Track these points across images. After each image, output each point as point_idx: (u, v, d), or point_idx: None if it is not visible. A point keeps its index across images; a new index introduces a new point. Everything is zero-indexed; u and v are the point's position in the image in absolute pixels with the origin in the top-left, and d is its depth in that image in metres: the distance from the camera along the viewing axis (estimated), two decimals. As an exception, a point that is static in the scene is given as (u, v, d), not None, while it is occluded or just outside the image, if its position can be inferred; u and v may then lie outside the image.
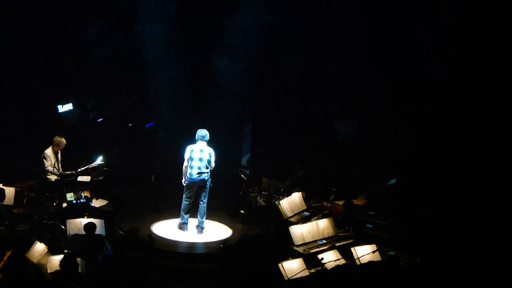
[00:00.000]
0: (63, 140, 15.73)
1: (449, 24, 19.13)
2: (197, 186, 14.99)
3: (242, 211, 16.30)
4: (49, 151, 15.51)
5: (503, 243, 14.32)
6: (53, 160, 15.57)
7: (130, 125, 19.95)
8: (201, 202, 15.18)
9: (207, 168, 14.97)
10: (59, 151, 15.79)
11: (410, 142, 18.19)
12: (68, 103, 18.50)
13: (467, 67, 18.19)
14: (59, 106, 18.37)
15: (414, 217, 15.47)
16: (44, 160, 15.41)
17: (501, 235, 14.67)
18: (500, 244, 14.30)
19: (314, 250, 13.40)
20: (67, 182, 15.46)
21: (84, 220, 13.55)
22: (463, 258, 13.79)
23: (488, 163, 17.20)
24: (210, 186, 15.16)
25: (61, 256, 11.79)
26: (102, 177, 16.15)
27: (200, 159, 14.88)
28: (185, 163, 14.97)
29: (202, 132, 14.97)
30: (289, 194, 15.36)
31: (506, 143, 17.27)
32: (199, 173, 14.86)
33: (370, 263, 12.51)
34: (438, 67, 18.52)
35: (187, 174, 14.94)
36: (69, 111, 18.62)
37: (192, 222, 15.35)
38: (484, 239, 14.45)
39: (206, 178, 14.99)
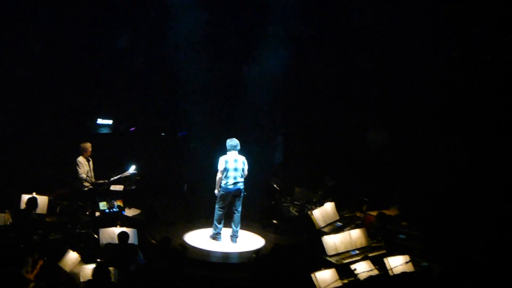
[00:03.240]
0: (88, 144, 15.99)
1: (482, 33, 19.04)
2: (232, 195, 15.05)
3: (274, 221, 16.39)
4: (81, 158, 15.81)
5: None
6: (86, 167, 15.83)
7: (163, 134, 20.01)
8: (235, 212, 15.27)
9: (242, 177, 15.08)
10: (90, 159, 15.97)
11: (446, 151, 18.07)
12: (109, 117, 18.56)
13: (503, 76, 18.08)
14: (99, 118, 18.46)
15: (448, 226, 15.43)
16: (77, 168, 15.67)
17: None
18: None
19: (347, 261, 13.45)
20: (100, 191, 15.61)
21: (117, 229, 13.67)
22: (498, 268, 13.76)
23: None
24: (244, 195, 15.22)
25: (93, 265, 11.88)
26: (134, 186, 16.31)
27: (235, 169, 14.97)
28: (219, 174, 15.01)
29: (234, 142, 15.08)
30: (321, 204, 15.43)
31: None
32: (235, 183, 14.94)
33: (403, 274, 12.57)
34: (472, 77, 18.41)
35: (222, 185, 14.99)
36: (107, 124, 18.74)
37: (225, 231, 15.42)
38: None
39: (241, 188, 15.06)
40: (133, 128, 19.88)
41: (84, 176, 15.70)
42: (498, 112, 17.63)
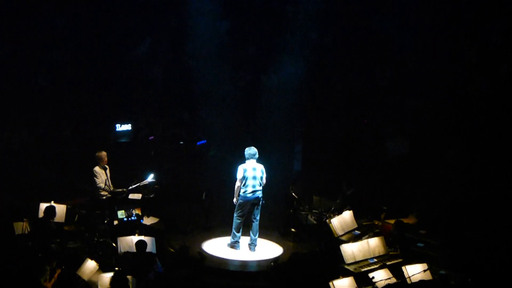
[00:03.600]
0: (104, 153, 15.94)
1: (498, 42, 19.05)
2: (250, 204, 15.00)
3: (293, 229, 16.32)
4: (97, 168, 15.74)
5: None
6: (103, 176, 15.79)
7: (181, 143, 20.05)
8: (254, 220, 15.22)
9: (260, 185, 15.02)
10: (107, 167, 15.99)
11: (460, 161, 18.07)
12: (127, 123, 18.63)
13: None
14: (118, 125, 18.51)
15: (466, 235, 15.38)
16: (95, 178, 15.63)
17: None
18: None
19: (365, 269, 13.40)
20: (118, 200, 15.60)
21: (135, 238, 13.66)
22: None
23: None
24: (262, 203, 15.21)
25: (111, 274, 11.82)
26: (153, 195, 16.31)
27: (254, 177, 14.92)
28: (237, 183, 14.98)
29: (252, 151, 15.03)
30: (339, 213, 15.38)
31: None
32: (253, 191, 14.89)
33: (421, 282, 12.51)
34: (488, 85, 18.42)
35: (241, 193, 14.95)
36: (126, 130, 18.77)
37: (243, 240, 15.42)
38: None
39: (260, 196, 15.03)
40: (151, 137, 19.89)
41: (102, 185, 15.71)
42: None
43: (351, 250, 13.84)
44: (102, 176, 15.79)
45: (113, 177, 16.11)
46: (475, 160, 17.86)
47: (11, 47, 19.72)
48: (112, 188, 15.88)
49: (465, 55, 19.12)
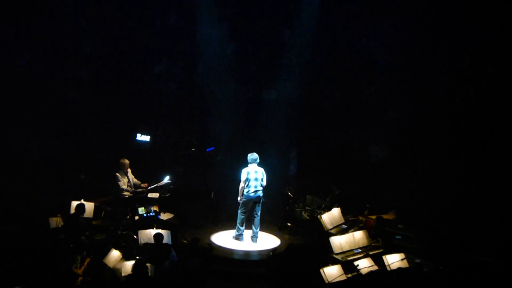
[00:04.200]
0: (126, 161, 16.05)
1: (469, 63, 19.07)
2: (253, 202, 15.04)
3: (289, 224, 16.36)
4: (118, 173, 15.85)
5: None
6: (124, 179, 15.87)
7: (193, 149, 20.03)
8: (255, 216, 15.24)
9: (261, 186, 15.06)
10: (129, 171, 16.06)
11: (434, 165, 18.09)
12: (146, 133, 18.63)
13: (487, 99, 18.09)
14: (138, 135, 18.51)
15: (437, 229, 15.39)
16: (118, 182, 15.72)
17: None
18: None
19: (351, 258, 13.49)
20: (139, 198, 15.70)
21: (153, 231, 13.74)
22: (482, 266, 13.72)
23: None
24: (263, 201, 15.23)
25: (133, 262, 11.99)
26: (169, 194, 16.38)
27: (256, 179, 14.97)
28: (241, 184, 15.00)
29: (254, 156, 15.11)
30: (329, 210, 15.41)
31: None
32: (255, 191, 14.94)
33: (399, 269, 12.52)
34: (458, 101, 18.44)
35: (244, 193, 14.98)
36: (145, 141, 18.79)
37: (246, 233, 15.44)
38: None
39: (260, 195, 15.07)
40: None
41: (124, 187, 15.81)
42: (486, 122, 17.76)
43: (339, 242, 13.96)
44: (123, 179, 15.87)
45: (135, 178, 16.24)
46: (445, 164, 17.88)
47: (47, 67, 19.76)
48: (133, 189, 15.98)
49: (436, 75, 19.16)
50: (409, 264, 12.99)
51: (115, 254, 12.78)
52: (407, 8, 19.47)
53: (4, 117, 18.63)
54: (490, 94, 18.20)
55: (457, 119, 18.21)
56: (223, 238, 15.54)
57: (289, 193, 17.10)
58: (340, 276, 12.44)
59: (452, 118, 18.33)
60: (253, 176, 15.03)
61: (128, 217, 15.26)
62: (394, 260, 13.00)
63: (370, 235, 14.48)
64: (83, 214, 14.68)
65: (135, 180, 16.17)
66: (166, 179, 16.33)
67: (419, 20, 19.34)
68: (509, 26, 17.88)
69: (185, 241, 14.28)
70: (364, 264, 12.87)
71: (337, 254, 13.73)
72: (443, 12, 18.84)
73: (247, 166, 15.14)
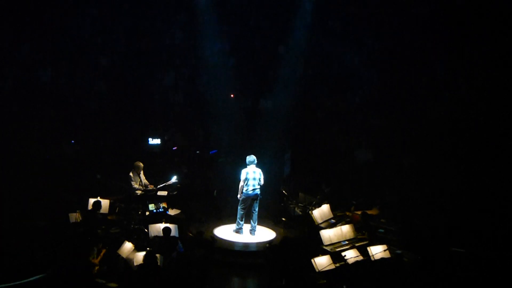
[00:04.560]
0: (140, 164, 16.00)
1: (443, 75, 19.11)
2: (251, 199, 15.07)
3: (283, 219, 16.30)
4: (131, 174, 15.84)
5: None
6: (137, 179, 15.84)
7: (198, 152, 20.06)
8: (254, 211, 15.27)
9: (258, 185, 15.10)
10: (141, 172, 16.03)
11: (412, 167, 18.12)
12: (157, 138, 18.61)
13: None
14: (150, 139, 18.50)
15: (416, 223, 15.41)
16: (130, 181, 15.70)
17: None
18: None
19: (339, 249, 13.46)
20: (149, 196, 15.67)
21: (162, 225, 13.71)
22: (456, 256, 13.74)
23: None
24: (260, 198, 15.23)
25: (144, 253, 12.02)
26: (176, 192, 16.36)
27: (254, 179, 15.02)
28: (241, 183, 15.05)
29: (252, 158, 15.17)
30: (319, 206, 15.41)
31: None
32: (253, 189, 14.99)
33: (382, 259, 12.57)
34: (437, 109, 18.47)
35: (244, 191, 15.03)
36: (156, 144, 18.78)
37: (245, 226, 15.43)
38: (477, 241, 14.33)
39: (258, 193, 15.10)
40: (175, 147, 19.92)
41: (136, 186, 15.77)
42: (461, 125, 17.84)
43: (328, 235, 13.93)
44: (135, 178, 15.85)
45: (146, 178, 16.21)
46: (423, 166, 17.92)
47: (69, 79, 19.86)
48: (144, 188, 15.96)
49: (414, 85, 19.22)
50: (390, 255, 12.93)
51: (128, 246, 12.77)
52: (386, 27, 19.54)
53: (31, 124, 18.66)
54: (463, 102, 18.27)
55: (433, 124, 18.25)
56: (224, 231, 15.55)
57: (284, 191, 17.11)
58: (329, 265, 12.44)
59: (428, 124, 18.37)
60: (252, 176, 15.06)
61: (139, 212, 15.23)
62: (377, 251, 12.98)
63: (356, 229, 14.44)
64: (99, 210, 14.70)
65: (145, 181, 16.14)
66: (174, 179, 16.27)
67: (398, 38, 19.40)
68: (481, 40, 17.98)
69: (191, 234, 14.34)
70: (351, 255, 12.86)
71: (326, 245, 13.69)
72: (420, 29, 18.90)
73: (246, 167, 15.16)
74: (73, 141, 19.38)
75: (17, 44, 19.18)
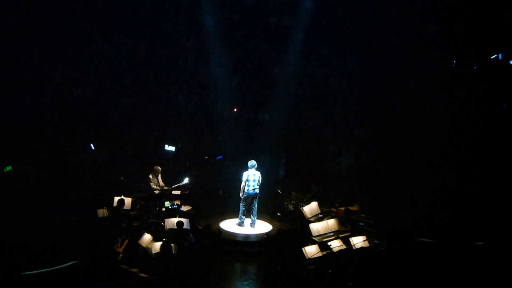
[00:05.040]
0: (158, 168, 16.12)
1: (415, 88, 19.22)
2: (251, 197, 15.06)
3: (278, 214, 16.33)
4: (150, 175, 15.94)
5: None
6: (155, 180, 15.93)
7: (206, 157, 20.04)
8: (253, 208, 15.24)
9: (258, 185, 15.08)
10: (159, 174, 16.06)
11: (388, 170, 18.17)
12: (173, 145, 18.60)
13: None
14: (166, 146, 18.49)
15: (392, 217, 15.40)
16: (149, 182, 15.82)
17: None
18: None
19: (325, 239, 13.48)
20: (165, 195, 15.69)
21: (176, 219, 13.69)
22: (424, 245, 13.80)
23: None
24: (259, 196, 15.22)
25: (160, 243, 12.04)
26: (188, 191, 16.38)
27: (254, 180, 15.02)
28: (243, 183, 15.04)
29: (252, 162, 15.16)
30: (309, 203, 15.39)
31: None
32: (253, 189, 14.99)
33: (362, 248, 12.61)
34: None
35: (245, 190, 15.01)
36: (171, 150, 18.77)
37: (246, 220, 15.42)
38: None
39: (257, 192, 15.10)
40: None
41: (154, 186, 15.84)
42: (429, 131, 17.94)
43: (316, 227, 13.95)
44: (154, 180, 15.89)
45: (163, 179, 16.25)
46: (398, 168, 17.96)
47: (97, 95, 19.98)
48: (161, 188, 15.98)
49: (389, 101, 19.32)
50: (369, 244, 13.01)
51: (147, 237, 12.79)
52: (365, 52, 19.68)
53: (65, 133, 18.68)
54: (431, 115, 18.37)
55: (405, 134, 18.33)
56: (229, 225, 15.52)
57: (279, 191, 17.13)
58: (317, 253, 12.44)
59: (401, 134, 18.45)
60: (252, 178, 15.04)
61: (157, 209, 15.25)
62: (358, 241, 12.97)
63: (340, 222, 14.44)
64: (123, 207, 14.69)
65: (162, 182, 16.18)
66: (186, 180, 16.32)
67: (375, 62, 19.58)
68: (446, 63, 18.14)
69: (200, 227, 14.38)
70: (336, 244, 12.83)
71: (315, 236, 13.71)
72: (394, 53, 19.07)
73: (247, 170, 15.14)
74: (92, 146, 19.31)
75: (55, 66, 19.31)
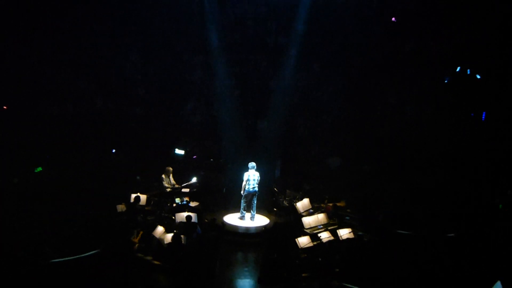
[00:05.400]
0: (170, 168, 16.18)
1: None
2: (251, 195, 15.07)
3: (275, 209, 16.34)
4: (163, 175, 16.00)
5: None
6: (167, 179, 15.98)
7: (212, 160, 20.00)
8: (253, 203, 15.23)
9: (257, 184, 15.10)
10: (170, 174, 16.10)
11: (370, 171, 18.22)
12: (182, 149, 18.52)
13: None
14: (176, 150, 18.44)
15: (373, 212, 15.47)
16: (162, 181, 15.87)
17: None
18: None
19: (316, 231, 13.59)
20: (176, 192, 15.79)
21: (185, 214, 13.76)
22: (402, 236, 13.92)
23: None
24: (257, 193, 15.24)
25: (172, 234, 12.23)
26: (195, 189, 16.40)
27: (253, 180, 15.03)
28: (244, 182, 15.04)
29: (252, 164, 15.17)
30: (301, 199, 15.49)
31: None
32: (253, 187, 15.00)
33: (348, 239, 12.72)
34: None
35: (246, 188, 15.01)
36: (180, 154, 18.70)
37: (247, 215, 15.41)
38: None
39: (256, 190, 15.10)
40: (195, 156, 19.89)
41: (166, 185, 15.92)
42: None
43: (308, 221, 14.08)
44: (166, 179, 15.94)
45: (174, 178, 16.29)
46: (379, 169, 18.04)
47: (115, 105, 20.03)
48: (172, 186, 16.03)
49: (370, 110, 19.40)
50: (354, 236, 13.07)
51: (160, 229, 12.88)
52: (348, 68, 19.79)
53: (90, 139, 18.77)
54: (407, 123, 18.51)
55: (385, 140, 18.43)
56: (231, 218, 15.50)
57: (275, 189, 17.18)
58: (308, 243, 12.57)
59: (381, 140, 18.55)
60: (252, 178, 15.05)
61: (168, 204, 15.26)
62: (344, 233, 13.09)
63: (329, 216, 14.51)
64: (139, 203, 14.79)
65: (173, 181, 16.22)
66: (194, 179, 16.44)
67: (358, 78, 19.69)
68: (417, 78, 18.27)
69: (206, 220, 14.37)
70: (325, 236, 12.95)
71: (306, 229, 13.79)
72: (374, 70, 19.18)
73: (247, 171, 15.15)
74: (114, 151, 19.33)
75: (86, 82, 19.47)
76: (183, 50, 20.27)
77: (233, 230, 14.72)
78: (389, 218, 14.96)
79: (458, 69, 18.30)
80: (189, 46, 20.24)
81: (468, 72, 18.14)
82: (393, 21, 19.18)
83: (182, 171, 17.37)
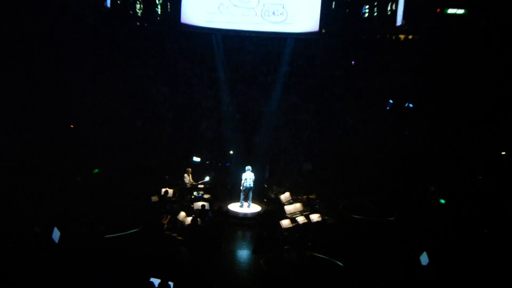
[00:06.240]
0: (189, 169, 16.18)
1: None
2: (248, 189, 15.12)
3: (265, 200, 16.38)
4: (185, 175, 15.99)
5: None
6: (188, 177, 15.96)
7: (219, 164, 19.94)
8: (249, 196, 15.27)
9: (252, 181, 15.13)
10: (190, 174, 16.13)
11: (335, 171, 18.18)
12: (199, 157, 18.37)
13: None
14: (194, 157, 18.22)
15: (337, 201, 15.57)
16: (184, 180, 15.86)
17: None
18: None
19: (294, 216, 13.58)
20: (194, 188, 15.82)
21: (200, 203, 13.87)
22: (357, 220, 13.94)
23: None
24: (252, 188, 15.29)
25: (191, 218, 12.27)
26: (208, 185, 16.40)
27: (250, 178, 15.10)
28: (242, 181, 15.11)
29: (249, 167, 15.31)
30: (284, 193, 15.52)
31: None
32: (249, 184, 15.05)
33: (317, 222, 12.87)
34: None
35: (244, 185, 15.07)
36: (197, 160, 18.48)
37: (245, 204, 15.40)
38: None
39: (252, 186, 15.14)
40: (208, 162, 19.70)
41: (187, 182, 15.95)
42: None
43: (288, 208, 14.13)
44: (187, 177, 15.97)
45: (193, 177, 16.29)
46: (340, 171, 17.97)
47: (147, 122, 19.83)
48: (191, 183, 16.07)
49: (337, 127, 19.41)
50: (321, 219, 13.19)
51: (182, 213, 12.98)
52: (318, 96, 19.90)
53: (133, 148, 18.47)
54: (360, 138, 18.64)
55: (346, 150, 18.44)
56: (234, 206, 15.51)
57: (265, 185, 17.24)
58: (289, 225, 12.73)
59: (343, 150, 18.54)
60: (248, 177, 15.13)
61: (188, 196, 15.32)
62: (315, 217, 13.24)
63: (304, 205, 14.57)
64: (167, 195, 14.80)
65: (192, 180, 16.21)
66: (207, 178, 16.45)
67: (325, 103, 19.85)
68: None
69: (215, 208, 14.35)
70: (301, 219, 13.10)
71: (288, 214, 13.84)
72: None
73: (245, 172, 15.24)
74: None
75: (128, 106, 19.36)
76: (199, 84, 20.36)
77: (235, 215, 14.80)
78: (346, 206, 15.11)
79: (391, 101, 18.64)
80: (203, 82, 20.36)
81: (406, 105, 18.52)
82: (352, 64, 19.46)
83: (198, 172, 17.32)
